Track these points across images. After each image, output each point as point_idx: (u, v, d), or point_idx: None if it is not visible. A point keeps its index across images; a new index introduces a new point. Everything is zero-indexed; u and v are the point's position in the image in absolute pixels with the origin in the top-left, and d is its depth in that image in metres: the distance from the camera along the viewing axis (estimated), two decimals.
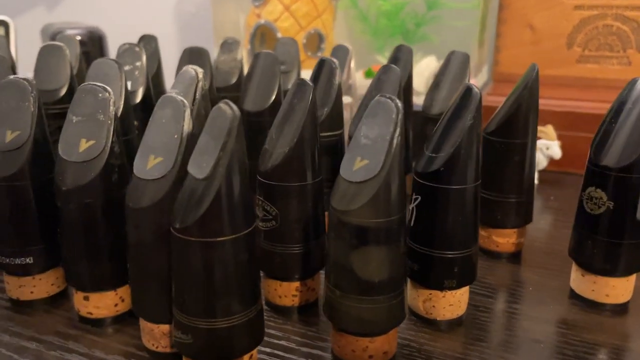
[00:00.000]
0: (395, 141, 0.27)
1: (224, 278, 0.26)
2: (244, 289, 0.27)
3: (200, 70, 0.38)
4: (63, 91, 0.48)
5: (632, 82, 0.36)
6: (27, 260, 0.35)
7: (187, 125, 0.28)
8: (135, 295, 0.31)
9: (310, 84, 0.33)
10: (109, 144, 0.32)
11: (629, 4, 0.65)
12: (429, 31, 0.75)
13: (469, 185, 0.32)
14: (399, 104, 0.27)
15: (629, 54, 0.67)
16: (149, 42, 0.61)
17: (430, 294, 0.34)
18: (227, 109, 0.25)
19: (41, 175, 0.34)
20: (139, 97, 0.51)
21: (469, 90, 0.32)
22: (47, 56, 0.47)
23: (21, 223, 0.34)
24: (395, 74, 0.39)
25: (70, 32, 0.86)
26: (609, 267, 0.35)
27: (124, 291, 0.34)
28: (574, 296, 0.38)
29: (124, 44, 0.52)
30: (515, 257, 0.44)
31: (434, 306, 0.34)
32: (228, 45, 0.60)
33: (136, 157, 0.29)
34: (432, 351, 0.32)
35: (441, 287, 0.33)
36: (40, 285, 0.36)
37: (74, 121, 0.32)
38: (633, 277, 0.36)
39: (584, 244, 0.36)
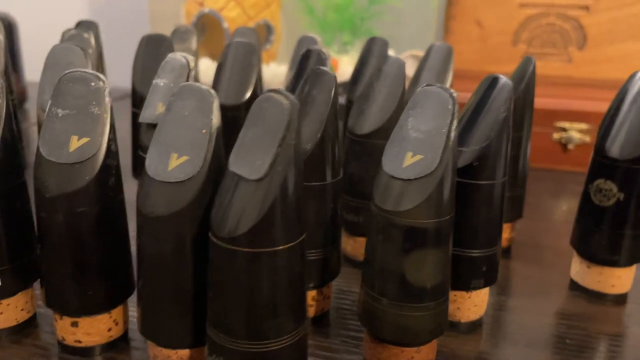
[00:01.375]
0: (452, 134, 0.25)
1: (278, 293, 0.23)
2: (296, 304, 0.24)
3: (191, 58, 0.34)
4: None
5: (633, 75, 0.36)
6: None
7: (216, 118, 0.25)
8: (148, 317, 0.26)
9: (332, 73, 0.30)
10: (106, 142, 0.27)
11: (570, 3, 0.68)
12: (377, 25, 0.74)
13: (498, 181, 0.31)
14: (454, 94, 0.25)
15: (569, 51, 0.70)
16: (87, 28, 0.55)
17: (455, 295, 0.32)
18: (282, 98, 0.22)
19: (9, 181, 0.29)
20: None
21: (495, 80, 0.31)
22: None
23: None
24: (399, 66, 0.37)
25: None
26: (617, 258, 0.36)
27: (118, 313, 0.30)
28: (576, 288, 0.38)
29: (70, 30, 0.46)
30: (506, 252, 0.43)
31: (458, 308, 0.33)
32: (180, 34, 0.55)
33: (149, 156, 0.25)
34: (467, 356, 0.31)
35: (468, 288, 0.32)
36: (9, 312, 0.30)
37: (60, 115, 0.27)
38: (634, 267, 0.37)
39: (591, 237, 0.36)
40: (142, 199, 0.25)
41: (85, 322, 0.29)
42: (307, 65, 0.42)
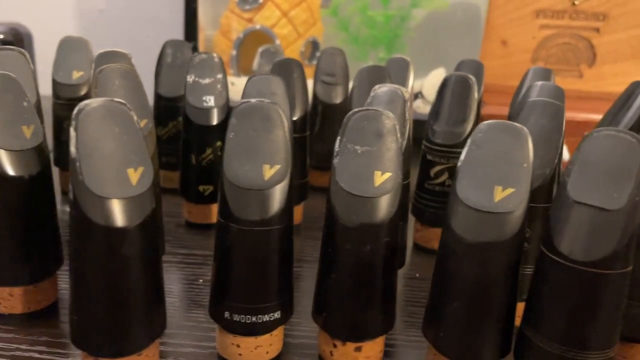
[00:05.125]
0: None
1: (607, 310, 0.26)
2: (616, 324, 0.27)
3: (404, 90, 0.36)
4: None
5: None
6: (275, 315, 0.30)
7: (532, 153, 0.27)
8: (459, 337, 0.28)
9: (560, 104, 0.33)
10: (400, 175, 0.29)
11: (583, 25, 0.76)
12: (410, 42, 0.78)
13: None
14: None
15: (581, 68, 0.78)
16: (180, 48, 0.54)
17: None
18: (628, 137, 0.25)
19: (291, 214, 0.30)
20: (222, 117, 0.45)
21: None
22: None
23: (276, 273, 0.29)
24: (557, 91, 0.41)
25: None
26: None
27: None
28: None
29: (201, 53, 0.46)
30: None
31: None
32: (271, 55, 0.56)
33: (461, 188, 0.27)
34: None
35: None
36: (275, 343, 0.31)
37: (360, 152, 0.28)
38: None
39: None
40: (465, 228, 0.27)
41: (367, 346, 0.30)
42: (445, 89, 0.45)
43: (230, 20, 0.71)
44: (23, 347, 0.31)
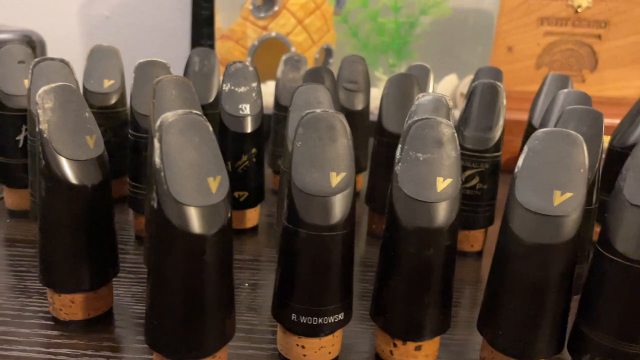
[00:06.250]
0: None
1: None
2: None
3: (448, 97, 0.37)
4: None
5: None
6: (339, 316, 0.31)
7: (587, 158, 0.29)
8: (515, 335, 0.30)
9: (600, 112, 0.35)
10: (461, 180, 0.30)
11: (586, 32, 0.79)
12: (419, 49, 0.80)
13: None
14: None
15: (583, 73, 0.81)
16: (207, 56, 0.55)
17: None
18: None
19: (354, 219, 0.31)
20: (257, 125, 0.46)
21: None
22: None
23: (340, 275, 0.30)
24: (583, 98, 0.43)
25: (2, 36, 0.71)
26: None
27: None
28: None
29: (236, 62, 0.47)
30: None
31: None
32: (294, 63, 0.57)
33: (521, 192, 0.29)
34: None
35: None
36: (337, 344, 0.32)
37: (422, 159, 0.30)
38: None
39: None
40: (525, 230, 0.28)
41: (426, 345, 0.31)
42: (473, 96, 0.46)
43: (244, 28, 0.72)
44: (89, 352, 0.32)
